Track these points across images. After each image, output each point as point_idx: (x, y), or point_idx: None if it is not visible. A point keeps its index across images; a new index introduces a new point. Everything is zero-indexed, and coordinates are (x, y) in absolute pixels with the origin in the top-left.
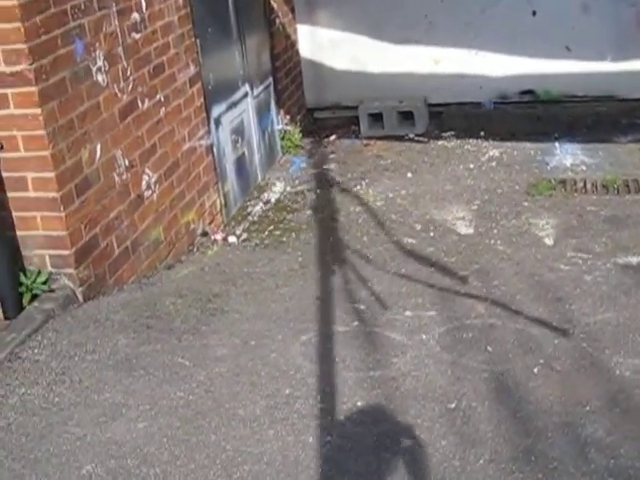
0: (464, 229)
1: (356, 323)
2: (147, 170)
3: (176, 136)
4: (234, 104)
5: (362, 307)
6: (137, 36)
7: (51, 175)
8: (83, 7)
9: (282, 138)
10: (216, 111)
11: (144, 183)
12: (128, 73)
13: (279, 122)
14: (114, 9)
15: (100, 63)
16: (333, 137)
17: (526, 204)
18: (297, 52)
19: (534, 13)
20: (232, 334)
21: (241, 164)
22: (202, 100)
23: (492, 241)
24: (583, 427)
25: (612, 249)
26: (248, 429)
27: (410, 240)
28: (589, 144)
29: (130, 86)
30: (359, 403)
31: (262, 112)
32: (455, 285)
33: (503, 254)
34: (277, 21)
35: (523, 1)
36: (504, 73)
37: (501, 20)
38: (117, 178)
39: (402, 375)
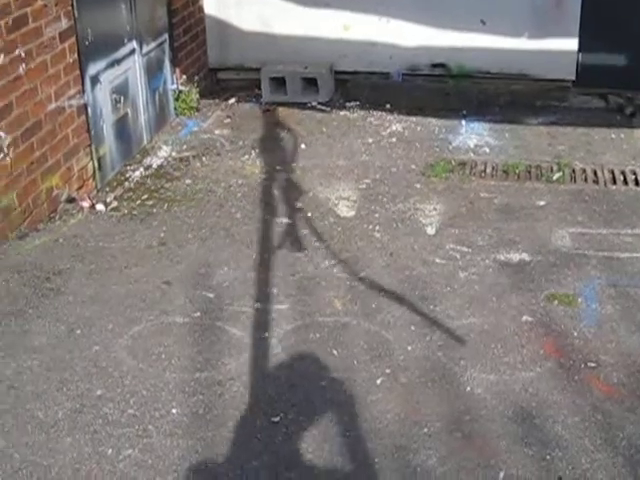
0: (345, 211)
1: (198, 314)
2: None
3: (39, 95)
4: (117, 61)
5: (211, 295)
6: None
7: None
8: None
9: (176, 99)
10: (93, 69)
11: None
12: None
13: (173, 82)
14: None
15: None
16: (232, 100)
17: (418, 186)
18: (200, 8)
19: None
20: (59, 319)
21: (122, 126)
22: (75, 56)
23: (371, 226)
24: (416, 453)
25: (495, 243)
26: (44, 435)
27: (285, 220)
28: (497, 124)
29: None
30: (174, 410)
31: (153, 71)
32: (318, 275)
33: (378, 242)
34: None
35: None
36: (416, 44)
37: None
38: None
39: (230, 379)
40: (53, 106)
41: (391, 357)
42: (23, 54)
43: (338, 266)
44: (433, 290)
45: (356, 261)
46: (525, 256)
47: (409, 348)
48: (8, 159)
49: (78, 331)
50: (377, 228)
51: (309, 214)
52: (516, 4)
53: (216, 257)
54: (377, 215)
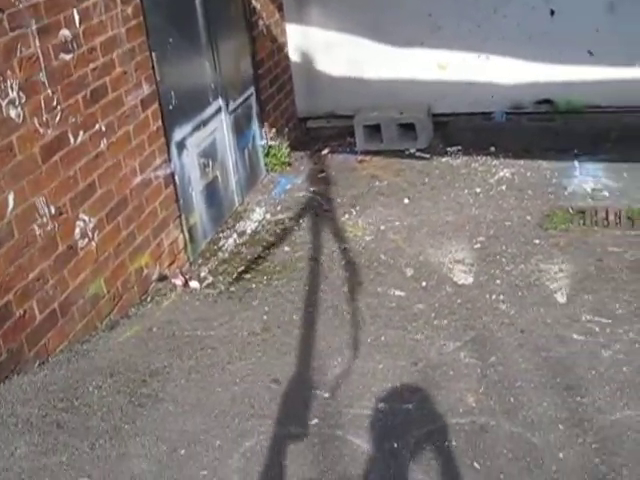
0: (462, 277)
1: (315, 421)
2: (82, 215)
3: (123, 170)
4: (203, 123)
5: (326, 395)
6: (67, 57)
7: None
8: None
9: (266, 154)
10: (179, 134)
11: (77, 231)
12: (54, 103)
13: (262, 137)
14: (33, 27)
15: (13, 95)
16: (325, 151)
17: (537, 242)
18: (286, 56)
19: (552, 12)
20: (159, 437)
21: (212, 190)
22: (159, 123)
23: (494, 296)
24: None
25: (637, 310)
26: None
27: (397, 292)
28: (613, 163)
29: (57, 118)
30: None
31: (241, 128)
32: (443, 362)
33: (505, 316)
34: (260, 23)
35: None
36: (518, 80)
37: (515, 20)
38: (39, 230)
39: None
40: (138, 180)
41: (542, 468)
42: (104, 128)
43: (464, 349)
44: (576, 376)
45: (484, 342)
46: None
47: (561, 455)
48: (93, 244)
49: (182, 451)
50: (501, 298)
51: (423, 283)
52: (626, 32)
53: (327, 344)
54: (498, 281)
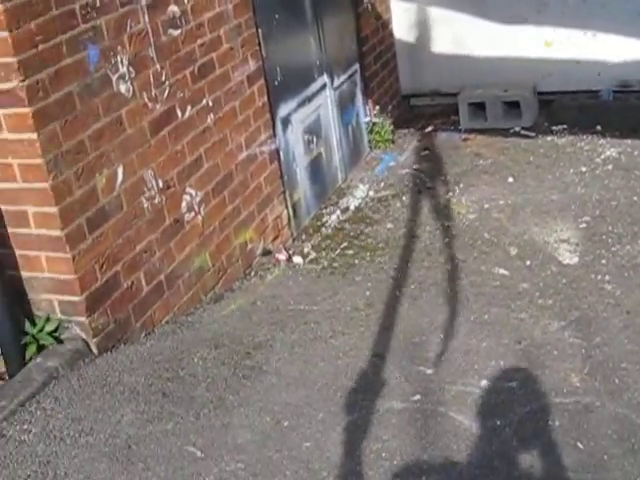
0: (568, 257)
1: (417, 397)
2: (189, 189)
3: (229, 145)
4: (308, 99)
5: (429, 372)
6: (176, 33)
7: (53, 210)
8: (99, 4)
9: (370, 131)
10: (284, 110)
11: (184, 205)
12: (163, 78)
13: (366, 114)
14: (143, 3)
15: (123, 70)
16: (429, 129)
17: None
18: (390, 33)
19: None
20: (263, 408)
21: (316, 167)
22: (265, 99)
23: (599, 276)
24: None
25: None
26: None
27: (502, 271)
28: None
29: (166, 93)
30: None
31: (345, 104)
32: (547, 341)
33: (611, 296)
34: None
35: None
36: (626, 58)
37: None
38: (146, 203)
39: None
40: (244, 155)
41: None
42: (210, 103)
43: (569, 329)
44: None
45: (589, 322)
46: None
47: None
48: (200, 217)
49: (285, 423)
50: (607, 278)
51: (527, 262)
52: None
53: (430, 321)
54: (604, 261)
